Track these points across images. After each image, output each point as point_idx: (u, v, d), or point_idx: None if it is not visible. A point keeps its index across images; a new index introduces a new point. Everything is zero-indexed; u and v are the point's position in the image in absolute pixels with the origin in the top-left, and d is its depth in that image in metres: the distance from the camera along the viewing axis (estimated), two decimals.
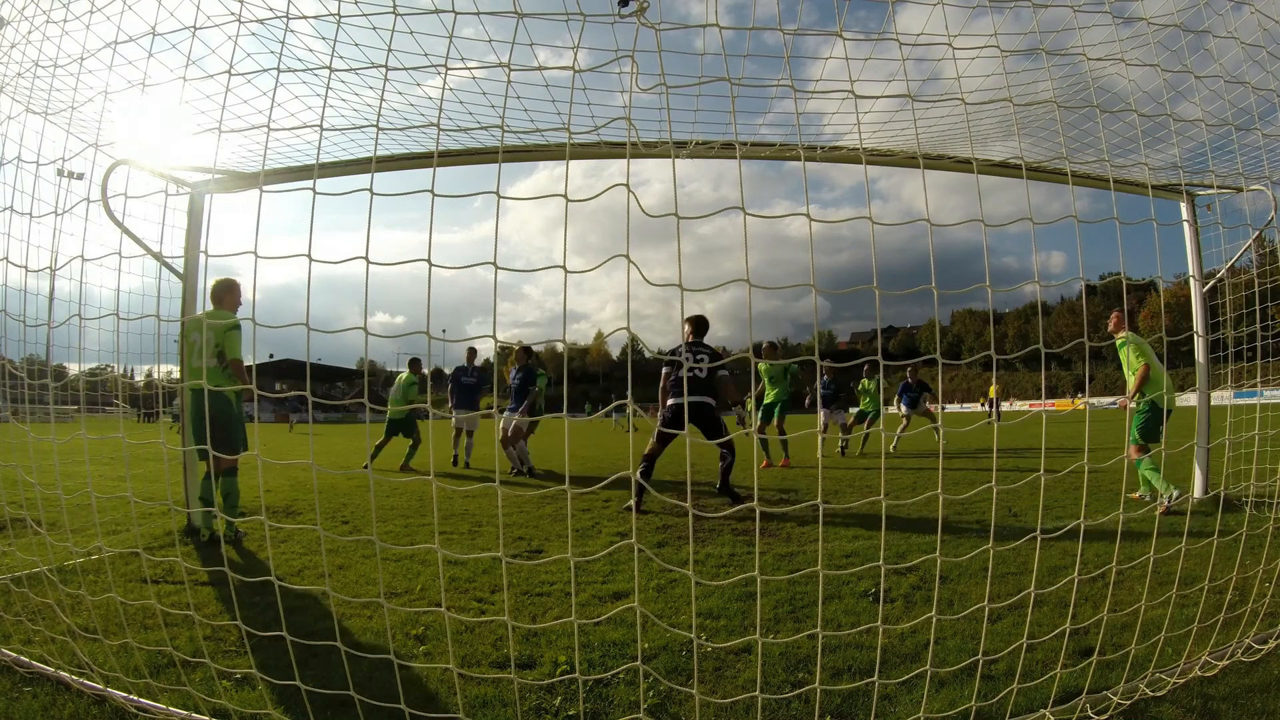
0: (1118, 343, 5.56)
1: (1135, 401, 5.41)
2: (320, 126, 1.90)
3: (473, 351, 10.47)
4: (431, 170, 1.90)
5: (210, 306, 4.86)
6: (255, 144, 4.32)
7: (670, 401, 6.17)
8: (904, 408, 12.69)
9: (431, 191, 1.74)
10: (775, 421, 9.39)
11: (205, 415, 4.36)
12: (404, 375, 10.65)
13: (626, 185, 1.68)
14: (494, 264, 1.76)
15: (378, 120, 1.92)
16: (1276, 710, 2.02)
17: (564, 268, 1.80)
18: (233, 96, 3.27)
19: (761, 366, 9.53)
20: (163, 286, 4.79)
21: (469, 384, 10.16)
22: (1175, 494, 5.00)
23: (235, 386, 4.55)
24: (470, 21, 2.83)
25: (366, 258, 1.73)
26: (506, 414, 8.87)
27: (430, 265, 1.72)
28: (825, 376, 11.60)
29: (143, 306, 5.52)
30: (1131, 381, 5.37)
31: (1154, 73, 2.52)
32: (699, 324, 6.39)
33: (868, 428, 12.48)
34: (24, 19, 2.55)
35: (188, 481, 4.94)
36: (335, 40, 1.94)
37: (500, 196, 1.76)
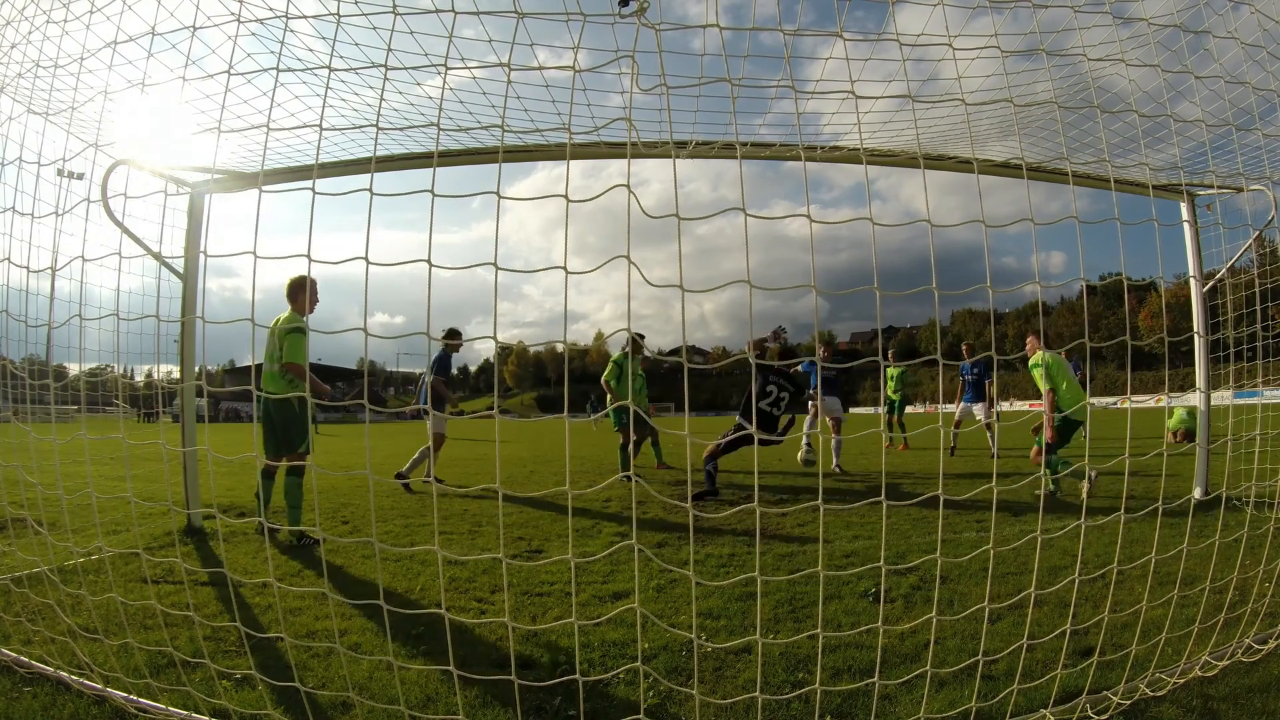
0: (1031, 364, 6.17)
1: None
2: (320, 126, 1.90)
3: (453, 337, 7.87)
4: (431, 170, 1.90)
5: (286, 305, 4.83)
6: (255, 144, 4.32)
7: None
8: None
9: (431, 191, 1.74)
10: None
11: (270, 416, 4.62)
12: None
13: (627, 186, 1.68)
14: (494, 264, 1.76)
15: (377, 120, 1.92)
16: (1276, 710, 2.02)
17: (564, 268, 1.80)
18: (232, 96, 3.27)
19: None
20: (163, 287, 4.79)
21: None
22: (1051, 489, 5.91)
23: (292, 393, 4.58)
24: (470, 22, 2.83)
25: (366, 258, 1.73)
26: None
27: (430, 265, 1.72)
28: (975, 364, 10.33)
29: (143, 307, 5.51)
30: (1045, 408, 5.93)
31: (1154, 73, 2.52)
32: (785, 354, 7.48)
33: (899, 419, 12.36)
34: (24, 19, 2.55)
35: (188, 482, 4.94)
36: (335, 40, 1.94)
37: (500, 196, 1.76)
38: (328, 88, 2.27)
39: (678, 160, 1.93)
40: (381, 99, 1.95)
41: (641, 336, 9.00)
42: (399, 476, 7.14)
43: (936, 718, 1.97)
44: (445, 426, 7.56)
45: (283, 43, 1.90)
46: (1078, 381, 6.31)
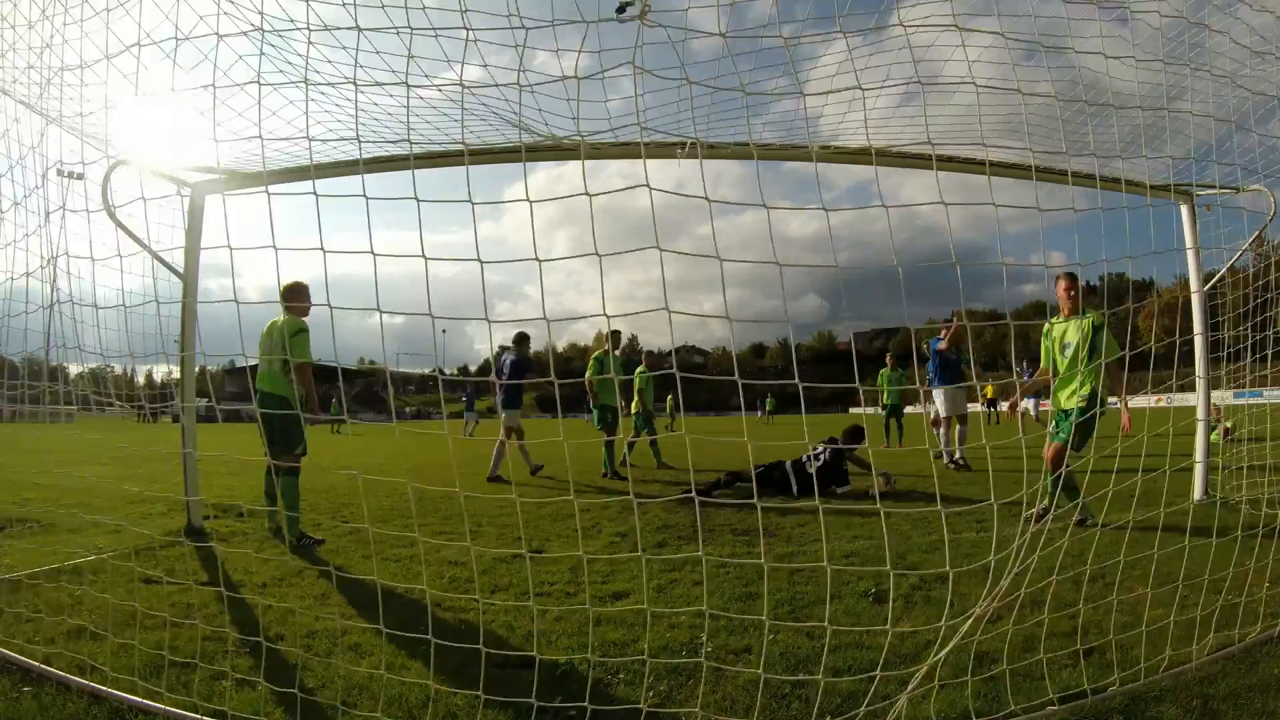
0: (1091, 322, 4.45)
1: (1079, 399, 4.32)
2: (354, 121, 1.90)
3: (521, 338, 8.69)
4: (424, 171, 1.90)
5: (281, 309, 4.81)
6: (258, 146, 4.31)
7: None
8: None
9: (469, 193, 1.74)
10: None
11: (269, 415, 4.58)
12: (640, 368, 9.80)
13: (703, 184, 1.69)
14: (521, 260, 1.76)
15: (406, 123, 1.92)
16: (1276, 710, 2.02)
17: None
18: (244, 100, 3.26)
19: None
20: (163, 286, 4.78)
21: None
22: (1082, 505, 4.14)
23: (295, 392, 4.61)
24: (482, 24, 2.81)
25: (423, 248, 1.73)
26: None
27: (481, 263, 1.71)
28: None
29: (143, 307, 5.51)
30: (1094, 383, 4.32)
31: (1154, 73, 2.52)
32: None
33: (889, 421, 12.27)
34: (46, 19, 2.55)
35: (188, 481, 4.94)
36: (316, 46, 1.95)
37: (529, 194, 1.76)
38: (320, 86, 2.27)
39: (680, 160, 1.93)
40: (373, 101, 1.95)
41: (618, 333, 9.45)
42: (493, 479, 8.02)
43: (936, 718, 1.97)
44: (518, 420, 8.85)
45: (308, 54, 1.91)
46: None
